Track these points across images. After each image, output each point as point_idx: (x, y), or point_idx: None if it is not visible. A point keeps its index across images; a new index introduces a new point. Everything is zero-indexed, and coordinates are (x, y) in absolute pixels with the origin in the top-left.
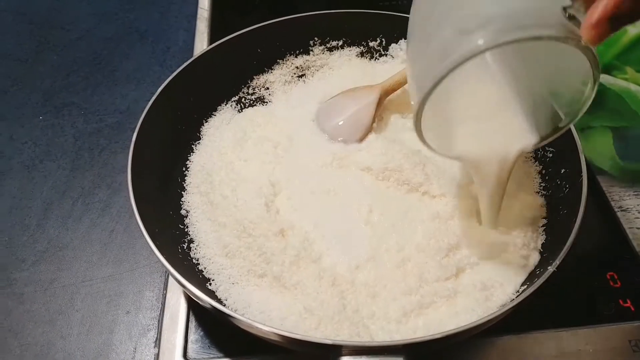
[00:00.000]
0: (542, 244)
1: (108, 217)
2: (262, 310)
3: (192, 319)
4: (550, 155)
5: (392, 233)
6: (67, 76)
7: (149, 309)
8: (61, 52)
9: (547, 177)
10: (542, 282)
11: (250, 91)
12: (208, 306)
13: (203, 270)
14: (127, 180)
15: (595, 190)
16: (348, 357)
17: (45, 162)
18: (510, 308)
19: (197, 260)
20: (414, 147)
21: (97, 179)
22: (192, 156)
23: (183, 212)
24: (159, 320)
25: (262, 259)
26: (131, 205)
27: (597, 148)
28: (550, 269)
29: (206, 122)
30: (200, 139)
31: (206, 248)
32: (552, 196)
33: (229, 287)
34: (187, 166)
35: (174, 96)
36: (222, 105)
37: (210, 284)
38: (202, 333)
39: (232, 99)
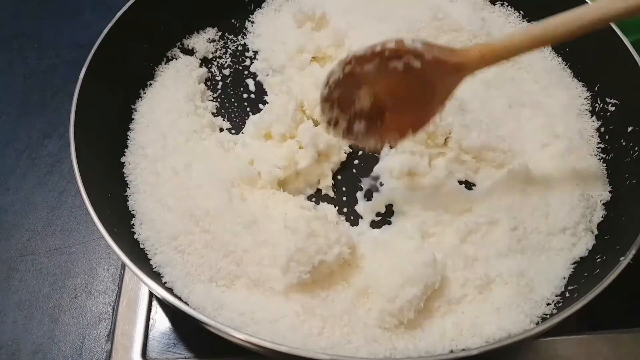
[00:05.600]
0: (598, 223)
1: (58, 174)
2: (242, 312)
3: (155, 308)
4: (613, 108)
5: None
6: (20, 1)
7: (102, 292)
8: None
9: (607, 137)
10: (614, 277)
11: None
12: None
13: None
14: (69, 132)
15: None
16: None
17: None
18: (578, 309)
19: (143, 245)
20: None
21: (47, 128)
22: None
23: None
24: (113, 308)
25: (230, 259)
26: (72, 163)
27: None
28: (624, 260)
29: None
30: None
31: (149, 231)
32: (614, 161)
33: (188, 283)
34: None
35: (140, 23)
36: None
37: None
38: (166, 327)
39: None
